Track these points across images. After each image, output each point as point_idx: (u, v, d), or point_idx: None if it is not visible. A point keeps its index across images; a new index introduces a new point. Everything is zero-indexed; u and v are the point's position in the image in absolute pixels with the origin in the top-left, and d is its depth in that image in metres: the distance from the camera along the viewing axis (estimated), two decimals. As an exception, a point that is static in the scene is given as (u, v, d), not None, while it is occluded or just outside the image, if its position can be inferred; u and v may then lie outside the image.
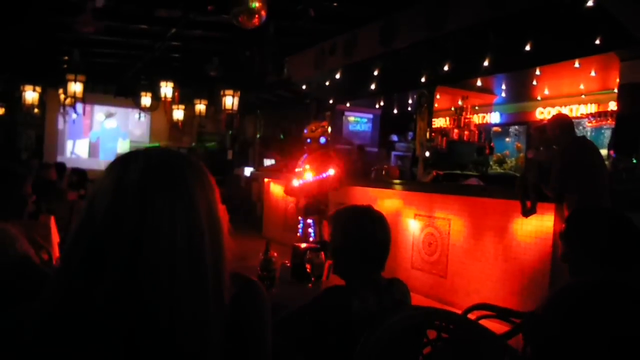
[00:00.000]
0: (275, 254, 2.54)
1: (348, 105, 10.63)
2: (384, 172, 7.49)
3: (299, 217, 5.85)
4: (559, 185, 4.08)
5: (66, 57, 9.67)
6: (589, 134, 8.28)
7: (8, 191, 2.26)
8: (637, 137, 5.72)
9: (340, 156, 6.23)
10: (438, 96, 9.21)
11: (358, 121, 11.05)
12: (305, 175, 5.60)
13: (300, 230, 5.78)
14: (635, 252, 1.79)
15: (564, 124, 4.37)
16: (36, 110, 10.32)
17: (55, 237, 3.91)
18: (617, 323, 0.84)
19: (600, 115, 8.49)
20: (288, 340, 1.73)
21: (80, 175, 7.92)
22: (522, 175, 4.75)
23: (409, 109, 10.54)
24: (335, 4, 6.61)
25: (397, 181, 6.53)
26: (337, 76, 8.03)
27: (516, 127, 10.38)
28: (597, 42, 5.22)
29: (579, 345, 0.86)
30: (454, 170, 8.04)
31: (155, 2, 6.77)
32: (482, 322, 2.01)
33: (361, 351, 1.45)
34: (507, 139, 10.49)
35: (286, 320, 1.78)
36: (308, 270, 2.65)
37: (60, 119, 12.00)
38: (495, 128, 10.51)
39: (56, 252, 3.42)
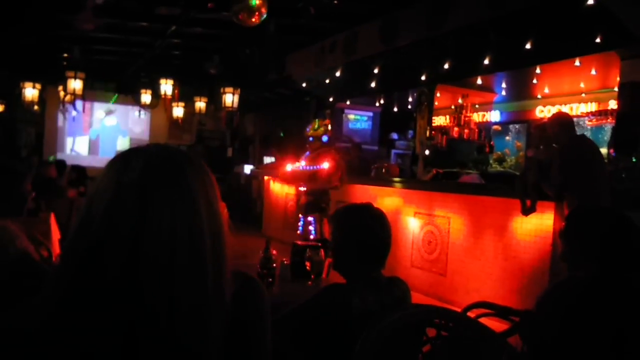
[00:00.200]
0: (275, 252, 2.55)
1: (348, 103, 10.62)
2: (384, 170, 7.50)
3: (300, 215, 5.85)
4: (558, 183, 4.08)
5: (66, 55, 9.65)
6: (589, 132, 8.28)
7: (8, 188, 2.26)
8: (637, 136, 5.71)
9: (340, 154, 6.24)
10: (438, 94, 9.22)
11: (358, 119, 11.04)
12: (300, 163, 5.69)
13: (300, 228, 5.79)
14: (635, 251, 1.79)
15: (564, 122, 4.36)
16: (36, 107, 10.30)
17: (56, 234, 3.91)
18: (610, 318, 0.84)
19: (601, 113, 8.50)
20: (288, 338, 1.73)
21: (79, 172, 7.93)
22: (522, 174, 4.75)
23: (409, 107, 10.53)
24: (335, 2, 6.59)
25: (397, 179, 6.54)
26: (337, 74, 8.03)
27: (516, 125, 10.38)
28: (598, 40, 5.22)
29: (573, 342, 0.86)
30: (454, 169, 8.05)
31: (156, 0, 6.77)
32: (482, 320, 2.01)
33: (361, 349, 1.45)
34: (507, 138, 10.49)
35: (286, 318, 1.78)
36: (308, 268, 2.65)
37: (60, 116, 11.99)
38: (495, 126, 10.51)
39: (57, 249, 3.42)
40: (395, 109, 10.91)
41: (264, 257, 2.50)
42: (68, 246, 0.92)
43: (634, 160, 5.38)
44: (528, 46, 5.55)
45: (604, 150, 6.23)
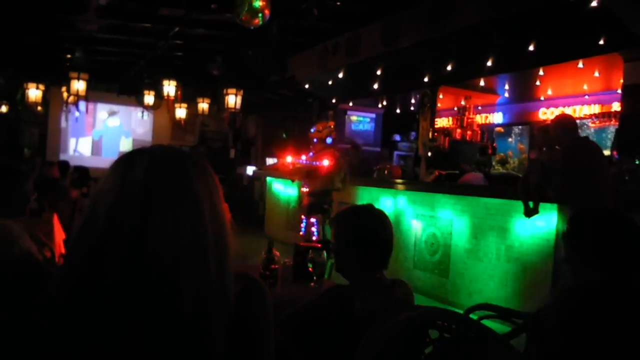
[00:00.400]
0: (278, 253, 2.54)
1: (351, 104, 10.61)
2: (386, 172, 7.49)
3: (302, 216, 5.85)
4: (561, 185, 4.06)
5: (69, 55, 9.68)
6: (592, 134, 8.26)
7: (10, 188, 2.26)
8: (640, 138, 5.69)
9: (343, 155, 6.25)
10: (441, 96, 9.19)
11: (360, 120, 11.03)
12: (300, 157, 5.75)
13: (303, 229, 5.79)
14: (638, 253, 1.79)
15: (567, 124, 4.35)
16: (39, 107, 10.32)
17: (61, 234, 3.91)
18: (619, 325, 0.84)
19: (604, 116, 8.47)
20: (290, 340, 1.73)
21: (82, 173, 7.94)
22: (525, 176, 4.74)
23: (412, 108, 10.52)
24: (338, 3, 6.60)
25: (400, 181, 6.53)
26: (340, 75, 8.03)
27: (519, 127, 10.35)
28: (601, 42, 5.20)
29: (581, 348, 0.86)
30: (456, 170, 8.03)
31: (159, 1, 6.78)
32: (484, 322, 2.00)
33: (363, 351, 1.45)
34: (510, 139, 10.46)
35: (288, 319, 1.78)
36: (310, 269, 2.64)
37: (63, 117, 12.02)
38: (498, 128, 10.49)
39: (62, 249, 3.43)
40: (398, 111, 10.90)
41: (266, 258, 2.50)
42: (72, 246, 0.92)
43: (637, 162, 5.35)
44: (531, 48, 5.55)
45: (607, 153, 6.22)
